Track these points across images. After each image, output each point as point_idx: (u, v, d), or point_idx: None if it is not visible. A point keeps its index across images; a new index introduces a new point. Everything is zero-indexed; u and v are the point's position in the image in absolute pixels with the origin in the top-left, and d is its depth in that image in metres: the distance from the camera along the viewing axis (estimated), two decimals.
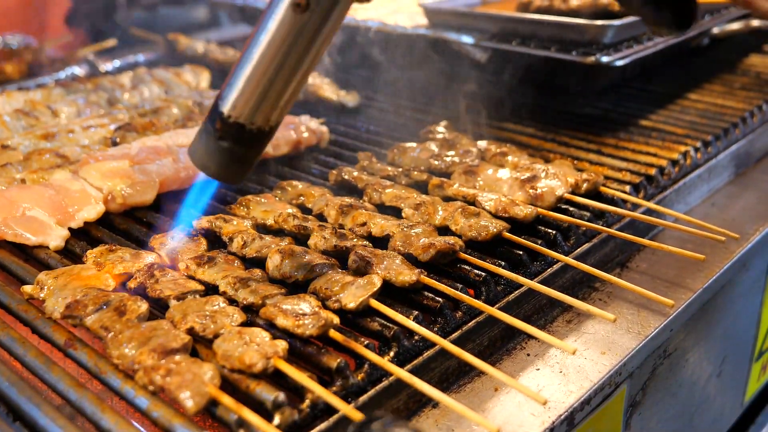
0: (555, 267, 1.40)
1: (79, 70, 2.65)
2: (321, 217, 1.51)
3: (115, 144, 1.77)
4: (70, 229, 1.47)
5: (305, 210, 1.55)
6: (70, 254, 1.42)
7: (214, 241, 1.43)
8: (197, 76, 2.33)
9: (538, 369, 1.26)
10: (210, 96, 2.16)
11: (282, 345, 1.07)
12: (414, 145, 1.80)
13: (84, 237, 1.47)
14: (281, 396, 1.01)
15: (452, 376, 1.22)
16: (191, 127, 1.87)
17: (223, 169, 1.14)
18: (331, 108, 2.18)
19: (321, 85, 2.21)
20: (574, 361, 1.27)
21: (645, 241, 1.47)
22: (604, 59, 1.86)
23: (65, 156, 1.69)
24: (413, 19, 2.35)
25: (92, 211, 1.50)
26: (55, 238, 1.42)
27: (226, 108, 1.09)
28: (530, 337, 1.33)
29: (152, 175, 1.60)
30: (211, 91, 2.23)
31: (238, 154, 1.12)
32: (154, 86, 2.21)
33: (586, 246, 1.48)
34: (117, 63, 2.76)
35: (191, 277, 1.28)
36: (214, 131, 1.10)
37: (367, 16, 2.42)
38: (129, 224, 1.53)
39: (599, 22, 1.89)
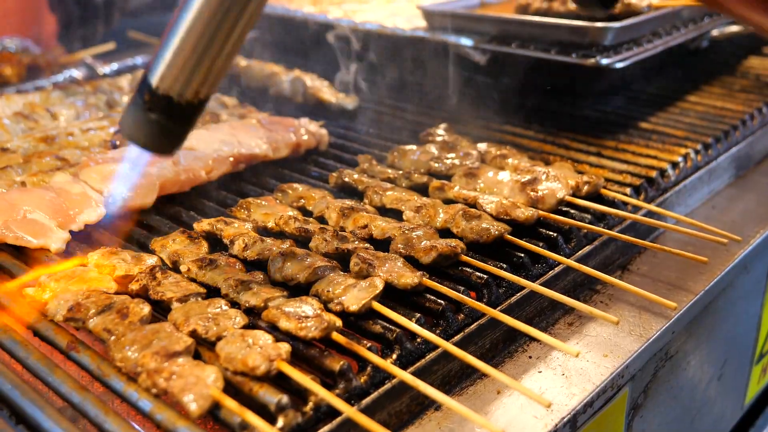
0: (556, 269, 1.40)
1: (77, 73, 2.64)
2: (322, 220, 1.51)
3: (114, 147, 1.77)
4: (70, 231, 1.46)
5: (306, 213, 1.55)
6: (71, 257, 1.42)
7: (216, 243, 1.43)
8: None
9: (541, 371, 1.26)
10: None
11: (285, 347, 1.07)
12: (414, 147, 1.80)
13: (85, 240, 1.47)
14: (284, 399, 1.00)
15: (454, 378, 1.22)
16: None
17: (152, 141, 1.10)
18: (330, 111, 2.18)
19: (320, 87, 2.21)
20: (577, 364, 1.27)
21: (646, 243, 1.47)
22: (604, 61, 1.87)
23: (65, 159, 1.69)
24: (412, 22, 2.35)
25: (93, 214, 1.49)
26: (56, 240, 1.42)
27: (154, 80, 1.04)
28: (532, 339, 1.33)
29: (152, 178, 1.60)
30: None
31: (167, 127, 1.08)
32: None
33: (587, 248, 1.48)
34: (115, 66, 2.76)
35: (193, 280, 1.28)
36: (143, 103, 1.06)
37: (366, 19, 2.43)
38: (130, 227, 1.52)
39: (599, 24, 1.90)
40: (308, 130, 1.89)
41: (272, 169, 1.80)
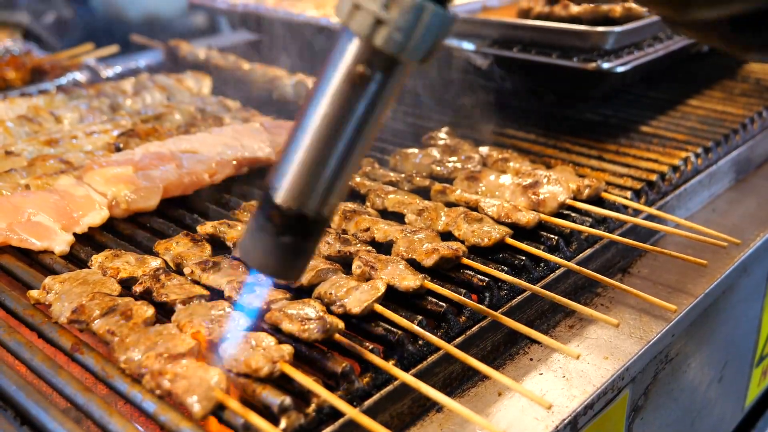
0: (557, 272, 1.41)
1: (80, 76, 2.65)
2: None
3: (118, 150, 1.78)
4: (74, 234, 1.47)
5: None
6: (75, 259, 1.43)
7: (219, 246, 1.44)
8: (199, 82, 2.34)
9: (542, 374, 1.27)
10: (212, 102, 2.17)
11: (288, 349, 1.08)
12: (416, 151, 1.81)
13: (88, 242, 1.48)
14: (287, 400, 1.01)
15: (456, 380, 1.23)
16: (194, 133, 1.87)
17: (284, 266, 0.98)
18: None
19: None
20: (577, 366, 1.28)
21: (646, 246, 1.48)
22: (605, 65, 1.88)
23: (69, 162, 1.70)
24: None
25: (97, 217, 1.50)
26: (60, 243, 1.43)
27: (282, 199, 0.93)
28: (533, 342, 1.34)
29: (156, 181, 1.61)
30: (213, 97, 2.23)
31: (301, 248, 0.97)
32: (156, 92, 2.22)
33: (588, 251, 1.49)
34: (118, 69, 2.77)
35: (196, 282, 1.29)
36: (272, 227, 0.95)
37: None
38: (133, 230, 1.54)
39: (600, 29, 1.91)
40: None
41: None
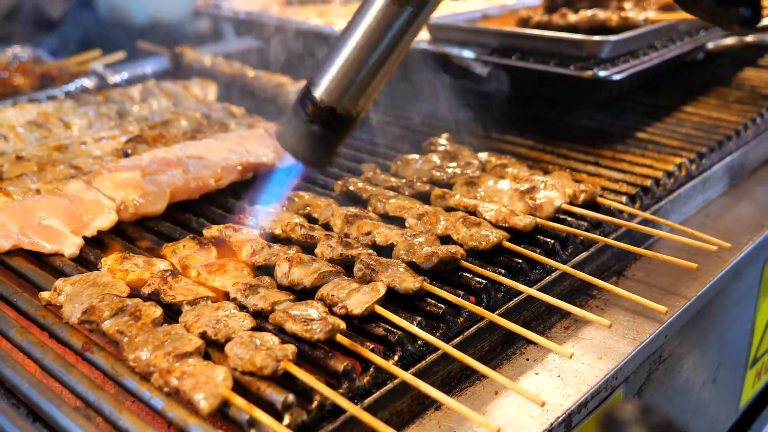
0: (553, 275, 1.45)
1: (88, 83, 2.70)
2: (327, 227, 1.56)
3: (126, 155, 1.83)
4: (84, 237, 1.51)
5: (312, 220, 1.60)
6: (85, 262, 1.47)
7: (225, 249, 1.48)
8: (205, 89, 2.39)
9: (537, 373, 1.31)
10: (217, 108, 2.22)
11: (291, 348, 1.12)
12: (416, 156, 1.85)
13: (98, 245, 1.52)
14: (291, 397, 1.05)
15: (454, 380, 1.27)
16: (200, 139, 1.92)
17: (311, 153, 1.19)
18: None
19: None
20: (572, 366, 1.32)
21: (640, 250, 1.52)
22: (602, 73, 1.92)
23: (78, 167, 1.74)
24: None
25: (105, 221, 1.55)
26: (70, 246, 1.47)
27: (318, 93, 1.14)
28: (529, 342, 1.38)
29: (163, 186, 1.65)
30: (218, 104, 2.28)
31: (327, 138, 1.17)
32: (162, 99, 2.27)
33: (583, 255, 1.53)
34: (125, 75, 2.82)
35: (202, 284, 1.33)
36: (306, 115, 1.16)
37: None
38: (141, 233, 1.58)
39: (597, 38, 1.95)
40: None
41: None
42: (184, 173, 1.71)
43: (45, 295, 1.30)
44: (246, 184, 1.81)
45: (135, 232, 1.58)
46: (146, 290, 1.29)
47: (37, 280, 1.39)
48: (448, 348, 1.17)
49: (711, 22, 1.15)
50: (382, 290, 1.26)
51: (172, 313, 1.26)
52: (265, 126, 2.05)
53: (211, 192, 1.73)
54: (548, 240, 1.50)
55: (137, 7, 4.16)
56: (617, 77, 1.94)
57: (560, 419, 1.20)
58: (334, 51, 1.13)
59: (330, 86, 1.14)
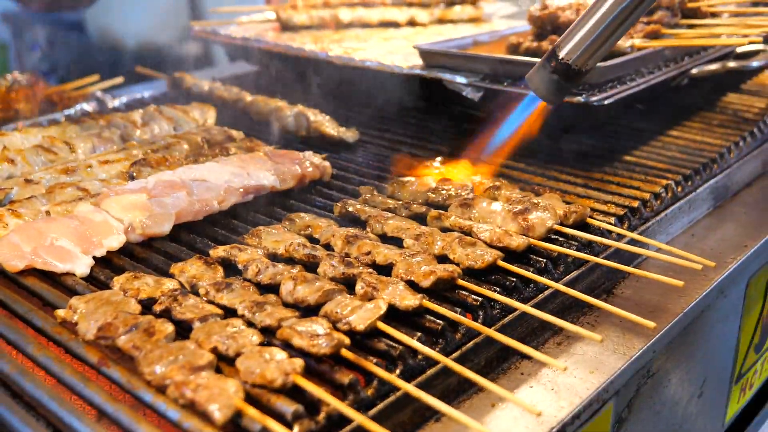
0: (546, 293, 1.51)
1: (88, 107, 2.76)
2: (328, 247, 1.62)
3: (132, 178, 1.88)
4: (94, 257, 1.57)
5: (312, 240, 1.66)
6: (95, 281, 1.53)
7: (230, 269, 1.53)
8: (204, 113, 2.45)
9: (532, 386, 1.37)
10: (217, 132, 2.28)
11: (299, 362, 1.18)
12: (412, 179, 1.92)
13: (107, 265, 1.58)
14: (300, 408, 1.11)
15: (452, 393, 1.33)
16: (202, 162, 1.98)
17: (550, 94, 1.73)
18: (331, 143, 2.30)
19: (323, 122, 2.33)
20: (565, 380, 1.38)
21: (629, 268, 1.58)
22: (591, 99, 1.99)
23: (86, 189, 1.80)
24: (408, 60, 2.48)
25: (115, 241, 1.60)
26: (81, 266, 1.53)
27: (562, 53, 1.66)
28: (523, 357, 1.44)
29: (168, 208, 1.71)
30: (216, 128, 2.33)
31: (562, 85, 1.69)
32: (163, 123, 2.33)
33: (574, 273, 1.59)
34: (124, 99, 2.89)
35: (211, 302, 1.39)
36: (550, 67, 1.68)
37: (365, 56, 2.56)
38: (148, 253, 1.63)
39: None
40: (312, 163, 2.01)
41: (280, 199, 1.92)
42: (189, 195, 1.77)
43: (61, 312, 1.35)
44: (247, 206, 1.88)
45: (142, 253, 1.64)
46: (158, 308, 1.35)
47: (51, 299, 1.44)
48: (448, 361, 1.23)
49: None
50: (384, 307, 1.32)
51: (182, 329, 1.31)
52: (264, 149, 2.12)
53: (214, 213, 1.79)
54: (541, 259, 1.57)
55: (127, 30, 4.24)
56: (606, 102, 2.01)
57: (554, 430, 1.26)
58: (582, 19, 1.62)
59: (572, 49, 1.64)
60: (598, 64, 2.01)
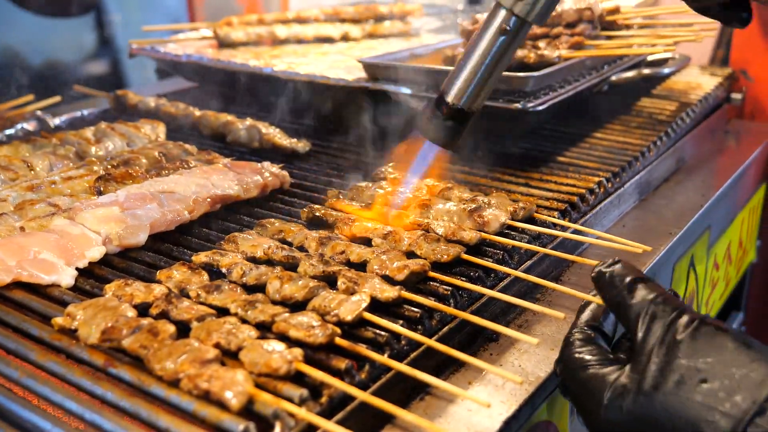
0: (505, 281, 1.67)
1: (28, 126, 2.77)
2: (302, 249, 1.73)
3: (100, 193, 1.93)
4: (77, 268, 1.62)
5: (286, 243, 1.76)
6: (81, 291, 1.58)
7: (213, 273, 1.62)
8: (155, 129, 2.51)
9: (501, 365, 1.52)
10: (170, 147, 2.34)
11: (298, 351, 1.28)
12: (370, 184, 2.04)
13: (90, 276, 1.63)
14: (305, 392, 1.22)
15: (433, 372, 1.45)
16: (165, 176, 2.05)
17: (446, 140, 1.70)
18: (283, 154, 2.41)
19: (274, 134, 2.43)
20: (530, 357, 1.53)
21: (574, 257, 1.75)
22: (528, 105, 2.17)
23: (57, 205, 1.84)
24: (352, 73, 2.61)
25: (96, 252, 1.66)
26: (66, 277, 1.58)
27: (450, 98, 1.65)
28: (490, 341, 1.59)
29: (142, 219, 1.78)
30: (170, 143, 2.40)
31: (457, 129, 1.68)
32: (116, 139, 2.37)
33: (527, 263, 1.76)
34: (64, 118, 2.90)
35: (203, 303, 1.47)
36: (442, 115, 1.67)
37: (308, 71, 2.67)
38: (127, 263, 1.70)
39: (521, 74, 2.20)
40: (272, 172, 2.11)
41: (245, 208, 2.01)
42: (160, 207, 1.84)
43: (59, 320, 1.41)
44: (214, 216, 1.96)
45: (122, 263, 1.70)
46: (154, 311, 1.43)
47: (41, 310, 1.49)
48: (433, 342, 1.36)
49: (717, 20, 1.55)
50: (367, 299, 1.44)
51: (180, 330, 1.39)
52: (223, 161, 2.20)
53: (186, 223, 1.87)
54: (498, 251, 1.72)
55: (31, 48, 4.17)
56: (540, 108, 2.20)
57: (535, 389, 1.42)
58: (460, 66, 1.64)
59: (457, 93, 1.64)
60: (533, 74, 2.21)
